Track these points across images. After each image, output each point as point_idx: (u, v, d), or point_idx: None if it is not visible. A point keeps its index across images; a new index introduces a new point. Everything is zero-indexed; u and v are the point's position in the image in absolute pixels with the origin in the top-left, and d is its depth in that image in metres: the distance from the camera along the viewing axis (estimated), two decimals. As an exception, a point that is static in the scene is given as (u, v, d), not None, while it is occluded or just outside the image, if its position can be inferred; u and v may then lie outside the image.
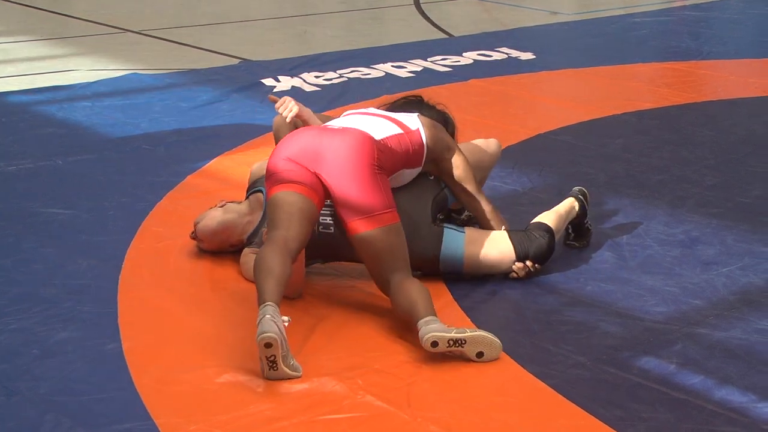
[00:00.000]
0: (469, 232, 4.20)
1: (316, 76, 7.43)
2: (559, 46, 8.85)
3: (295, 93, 6.97)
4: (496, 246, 4.18)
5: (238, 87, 7.09)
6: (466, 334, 3.56)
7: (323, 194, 3.91)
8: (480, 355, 3.58)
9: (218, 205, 4.38)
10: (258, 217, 4.32)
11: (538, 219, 4.33)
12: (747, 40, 9.32)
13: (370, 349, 3.69)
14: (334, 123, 4.12)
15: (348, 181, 3.85)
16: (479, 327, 3.72)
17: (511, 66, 7.88)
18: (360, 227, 3.84)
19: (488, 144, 4.57)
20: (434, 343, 3.55)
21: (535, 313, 3.99)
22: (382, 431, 3.23)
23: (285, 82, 7.24)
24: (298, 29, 9.70)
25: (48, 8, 10.20)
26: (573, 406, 3.36)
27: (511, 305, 4.07)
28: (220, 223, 4.30)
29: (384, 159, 3.95)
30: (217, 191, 5.02)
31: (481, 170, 4.48)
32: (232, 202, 4.43)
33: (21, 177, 5.35)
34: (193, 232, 4.36)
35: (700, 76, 7.61)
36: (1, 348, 3.66)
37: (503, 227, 4.25)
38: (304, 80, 7.31)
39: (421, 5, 10.73)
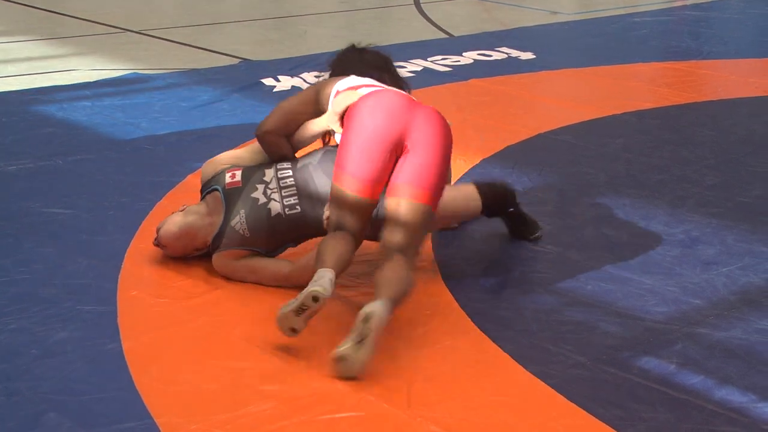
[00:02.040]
0: None
1: (316, 76, 7.39)
2: (559, 46, 8.85)
3: (295, 93, 6.96)
4: (461, 191, 4.29)
5: (238, 87, 7.10)
6: (368, 343, 3.45)
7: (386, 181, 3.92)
8: (342, 358, 3.43)
9: (179, 210, 4.31)
10: (219, 219, 4.22)
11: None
12: (747, 40, 9.33)
13: (370, 349, 3.69)
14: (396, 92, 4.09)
15: (429, 157, 3.86)
16: (479, 326, 3.73)
17: (511, 66, 7.89)
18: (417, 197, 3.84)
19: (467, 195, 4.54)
20: (366, 318, 3.46)
21: (535, 313, 3.99)
22: (382, 431, 3.23)
23: (285, 82, 7.24)
24: (298, 29, 9.71)
25: (48, 8, 10.20)
26: (573, 406, 3.36)
27: (511, 305, 4.06)
28: (182, 227, 4.21)
29: None
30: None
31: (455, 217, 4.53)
32: (191, 206, 4.34)
33: (21, 177, 5.34)
34: (155, 239, 4.28)
35: (700, 76, 7.61)
36: (1, 348, 3.66)
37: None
38: (304, 80, 7.31)
39: (421, 5, 10.73)
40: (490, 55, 8.17)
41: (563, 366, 3.59)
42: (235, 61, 8.11)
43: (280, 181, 4.18)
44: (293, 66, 7.70)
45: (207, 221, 4.25)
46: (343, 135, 3.98)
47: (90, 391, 3.39)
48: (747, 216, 4.93)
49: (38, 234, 4.62)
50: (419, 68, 7.73)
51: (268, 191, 4.16)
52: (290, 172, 4.20)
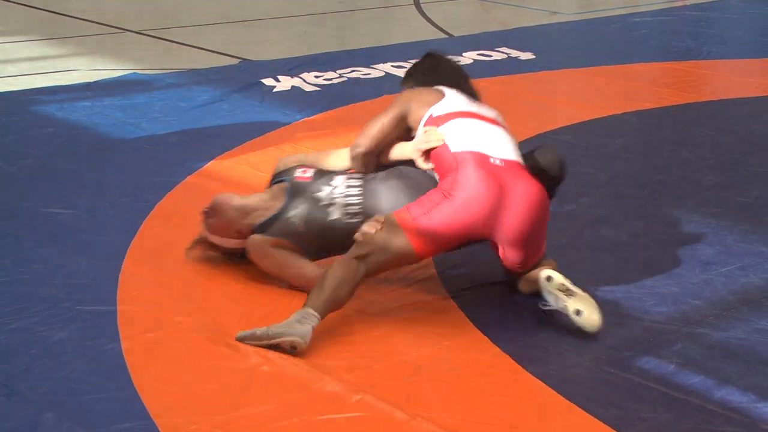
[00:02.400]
0: None
1: (316, 76, 7.43)
2: (559, 46, 8.85)
3: (295, 93, 6.97)
4: None
5: (238, 87, 7.09)
6: (577, 290, 3.80)
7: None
8: (578, 312, 3.73)
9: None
10: (278, 204, 4.22)
11: None
12: (747, 40, 9.33)
13: (370, 349, 3.69)
14: (495, 152, 4.09)
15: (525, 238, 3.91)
16: (478, 326, 3.73)
17: (511, 66, 7.88)
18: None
19: None
20: (549, 278, 3.80)
21: (535, 313, 3.99)
22: (382, 431, 3.23)
23: (285, 82, 7.23)
24: (298, 29, 9.71)
25: (48, 8, 10.20)
26: (573, 406, 3.36)
27: (510, 305, 4.06)
28: (239, 201, 4.25)
29: None
30: (217, 191, 5.01)
31: None
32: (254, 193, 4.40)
33: (21, 177, 5.34)
34: (207, 206, 4.27)
35: (700, 76, 7.61)
36: (1, 348, 3.66)
37: None
38: (304, 80, 7.31)
39: (421, 5, 10.73)
40: (490, 55, 8.17)
41: (563, 366, 3.59)
42: (235, 61, 8.11)
43: (347, 189, 4.18)
44: (293, 66, 7.69)
45: (267, 206, 4.26)
46: (440, 186, 3.93)
47: (89, 391, 3.39)
48: (747, 216, 4.94)
49: (38, 234, 4.62)
50: (419, 68, 7.72)
51: (333, 196, 4.16)
52: (359, 183, 4.19)
